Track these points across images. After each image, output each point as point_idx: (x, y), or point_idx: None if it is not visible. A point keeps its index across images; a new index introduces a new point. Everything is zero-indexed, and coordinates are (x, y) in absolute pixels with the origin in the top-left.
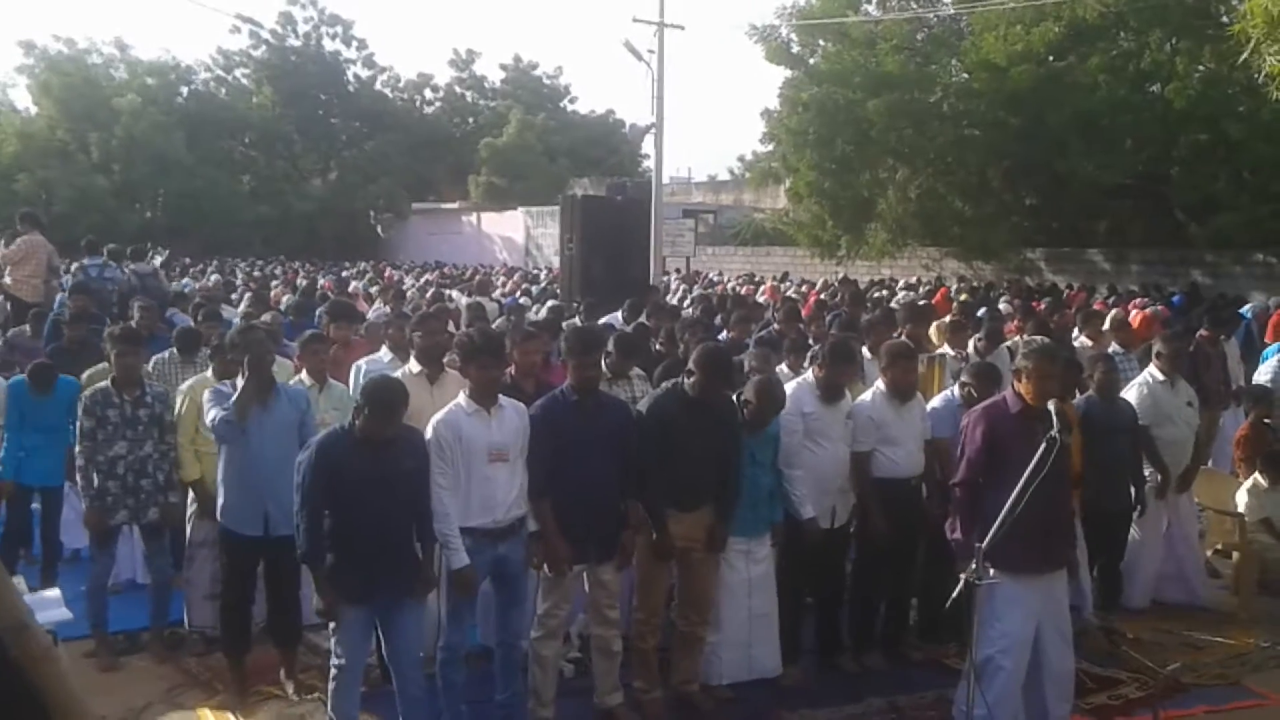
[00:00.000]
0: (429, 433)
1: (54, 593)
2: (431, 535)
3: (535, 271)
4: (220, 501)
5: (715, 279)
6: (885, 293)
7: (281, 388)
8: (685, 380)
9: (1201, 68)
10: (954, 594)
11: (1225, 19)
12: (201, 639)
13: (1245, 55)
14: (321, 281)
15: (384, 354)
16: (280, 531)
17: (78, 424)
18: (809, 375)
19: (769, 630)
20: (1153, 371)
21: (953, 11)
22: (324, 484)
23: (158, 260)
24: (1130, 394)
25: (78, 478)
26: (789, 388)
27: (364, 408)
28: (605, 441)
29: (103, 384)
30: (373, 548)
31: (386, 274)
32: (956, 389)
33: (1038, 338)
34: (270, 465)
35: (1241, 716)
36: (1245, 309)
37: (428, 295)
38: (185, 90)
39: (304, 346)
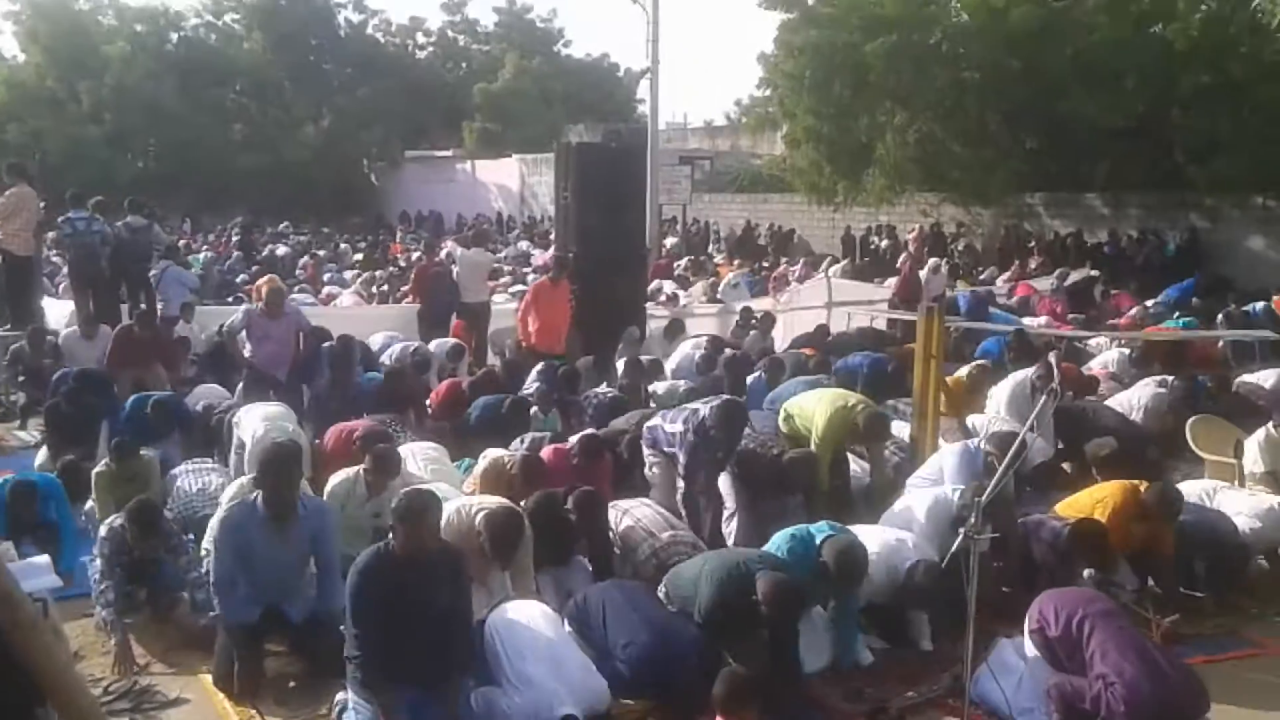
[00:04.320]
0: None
1: (43, 559)
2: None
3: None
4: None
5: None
6: (886, 241)
7: (303, 502)
8: None
9: (1204, 7)
10: (952, 549)
11: None
12: None
13: (1256, 2)
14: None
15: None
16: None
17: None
18: None
19: None
20: None
21: None
22: (373, 608)
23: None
24: None
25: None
26: None
27: (396, 525)
28: None
29: (117, 527)
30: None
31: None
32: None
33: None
34: (275, 585)
35: (1238, 666)
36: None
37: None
38: (175, 37)
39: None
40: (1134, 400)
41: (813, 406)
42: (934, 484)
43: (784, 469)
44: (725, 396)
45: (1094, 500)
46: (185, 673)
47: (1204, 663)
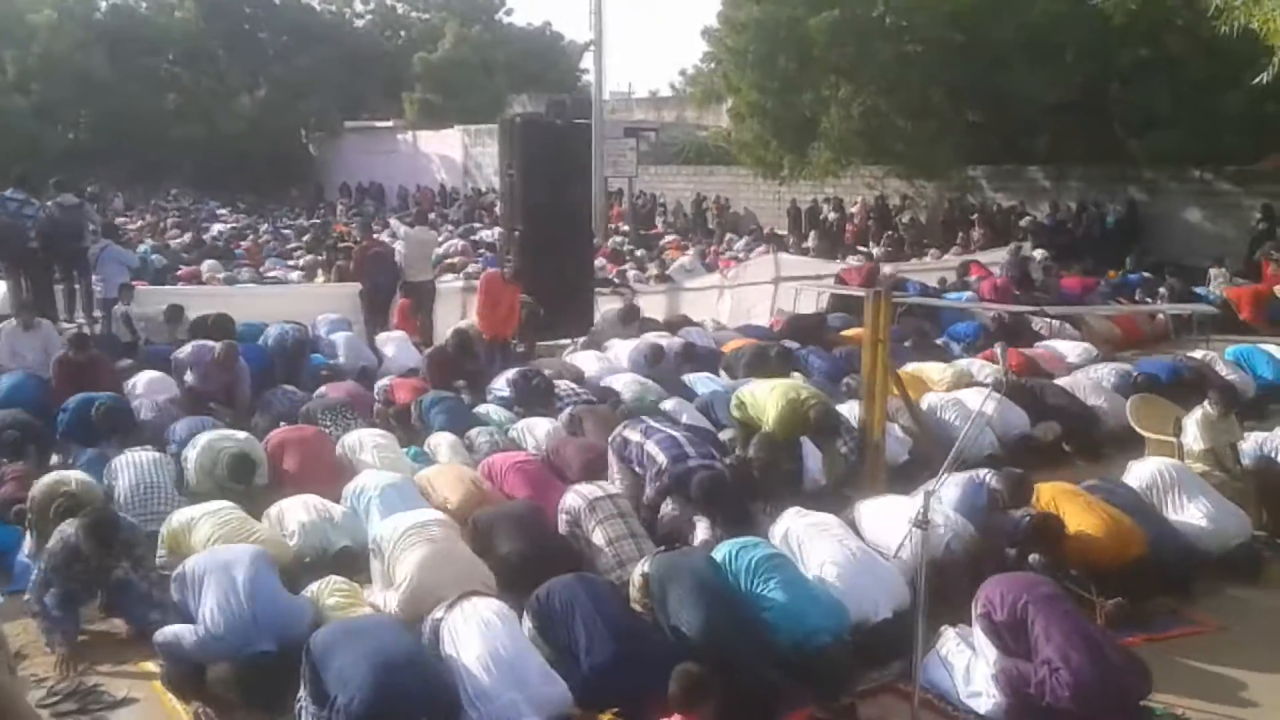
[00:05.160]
0: None
1: None
2: None
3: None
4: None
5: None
6: (834, 214)
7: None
8: None
9: None
10: (902, 541)
11: None
12: None
13: None
14: None
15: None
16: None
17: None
18: None
19: None
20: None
21: None
22: None
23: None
24: None
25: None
26: None
27: None
28: None
29: (70, 537)
30: None
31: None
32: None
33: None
34: None
35: (1179, 645)
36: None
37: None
38: (104, 5)
39: None
40: (1086, 382)
41: (764, 397)
42: None
43: (754, 478)
44: (715, 465)
45: (1091, 534)
46: (133, 672)
47: (1145, 641)
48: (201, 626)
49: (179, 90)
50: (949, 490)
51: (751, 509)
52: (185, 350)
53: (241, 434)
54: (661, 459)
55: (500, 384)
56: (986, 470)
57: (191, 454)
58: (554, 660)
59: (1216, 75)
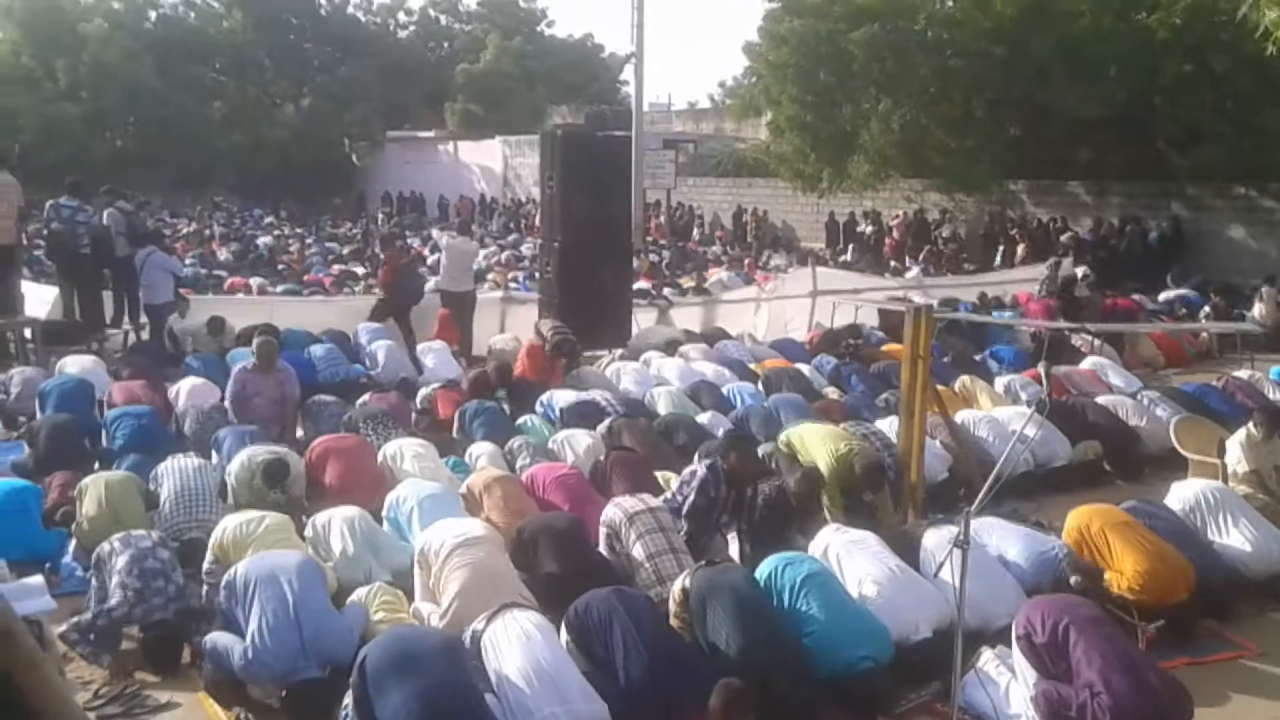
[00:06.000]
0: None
1: (36, 580)
2: None
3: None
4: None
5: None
6: (872, 227)
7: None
8: None
9: None
10: (942, 561)
11: None
12: None
13: (1244, 9)
14: None
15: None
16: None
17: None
18: None
19: None
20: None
21: None
22: None
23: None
24: None
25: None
26: None
27: None
28: None
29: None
30: None
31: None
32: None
33: None
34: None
35: (1221, 668)
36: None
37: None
38: (153, 15)
39: None
40: (1129, 402)
41: (815, 447)
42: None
43: (789, 504)
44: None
45: (1138, 576)
46: (176, 677)
47: (1188, 665)
48: (250, 648)
49: (225, 99)
50: (1019, 559)
51: (786, 534)
52: (229, 389)
53: (281, 447)
54: (695, 465)
55: (557, 402)
56: (1064, 548)
57: (232, 470)
58: (590, 673)
59: (1261, 91)
